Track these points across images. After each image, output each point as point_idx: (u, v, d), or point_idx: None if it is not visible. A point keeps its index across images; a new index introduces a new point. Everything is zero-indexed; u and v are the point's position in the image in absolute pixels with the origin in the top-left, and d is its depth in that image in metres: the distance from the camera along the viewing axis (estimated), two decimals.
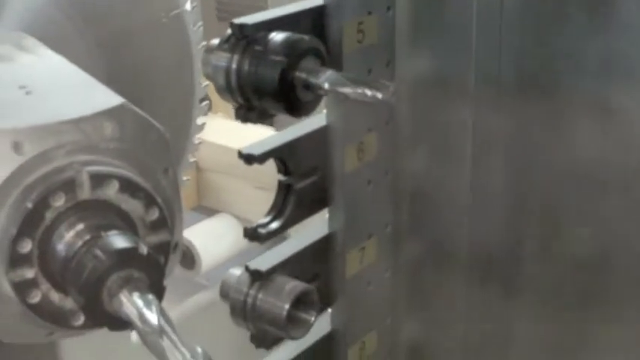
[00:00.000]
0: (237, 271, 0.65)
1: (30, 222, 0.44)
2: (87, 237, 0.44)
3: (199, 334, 1.66)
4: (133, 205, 0.47)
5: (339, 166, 0.65)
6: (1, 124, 0.44)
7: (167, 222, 0.48)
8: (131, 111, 0.48)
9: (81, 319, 0.48)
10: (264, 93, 0.57)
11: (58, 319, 0.47)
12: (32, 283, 0.45)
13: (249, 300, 0.63)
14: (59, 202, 0.45)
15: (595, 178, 0.64)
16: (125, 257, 0.44)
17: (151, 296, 0.44)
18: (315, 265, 0.67)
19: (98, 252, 0.44)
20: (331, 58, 0.60)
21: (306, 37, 0.57)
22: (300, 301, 0.62)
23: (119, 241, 0.45)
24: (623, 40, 0.59)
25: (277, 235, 0.63)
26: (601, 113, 0.61)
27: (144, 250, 0.45)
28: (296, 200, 0.63)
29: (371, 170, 0.67)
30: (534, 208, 0.67)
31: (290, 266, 0.64)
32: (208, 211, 1.64)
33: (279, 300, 0.62)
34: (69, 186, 0.44)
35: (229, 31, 0.58)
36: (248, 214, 1.57)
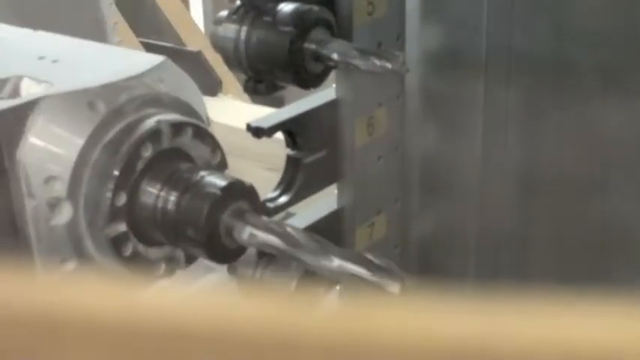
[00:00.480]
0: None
1: (124, 174, 0.46)
2: (181, 182, 0.47)
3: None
4: (200, 151, 0.49)
5: (349, 141, 0.64)
6: (71, 87, 0.46)
7: (227, 164, 0.51)
8: (172, 65, 0.49)
9: (162, 269, 0.51)
10: (273, 64, 0.56)
11: (144, 270, 0.50)
12: (125, 237, 0.47)
13: (257, 275, 0.62)
14: (147, 152, 0.47)
15: (607, 154, 0.63)
16: (234, 190, 0.47)
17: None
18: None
19: (208, 190, 0.46)
20: (341, 31, 0.59)
21: (315, 8, 0.56)
22: (308, 275, 0.62)
23: (220, 179, 0.47)
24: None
25: (285, 210, 0.62)
26: (615, 89, 0.60)
27: (246, 182, 0.48)
28: (305, 175, 0.62)
29: (381, 145, 0.66)
30: (545, 184, 0.66)
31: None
32: None
33: (286, 276, 0.61)
34: (155, 136, 0.46)
35: (238, 2, 0.57)
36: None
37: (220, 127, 1.56)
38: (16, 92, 0.49)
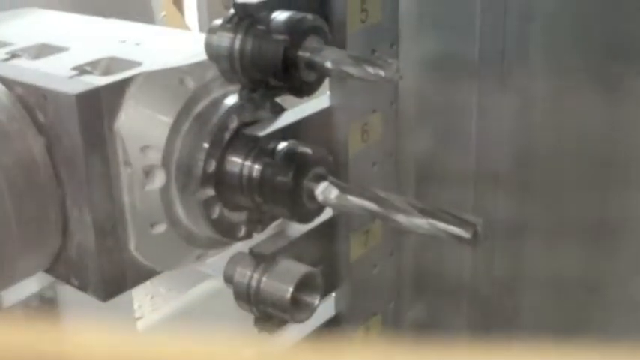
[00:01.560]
0: (240, 254, 0.64)
1: (214, 144, 0.51)
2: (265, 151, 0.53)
3: (204, 323, 1.66)
4: None
5: (344, 148, 0.64)
6: (161, 65, 0.50)
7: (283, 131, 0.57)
8: None
9: (243, 230, 0.57)
10: (267, 73, 0.56)
11: (228, 231, 0.56)
12: (213, 201, 0.52)
13: (253, 283, 0.62)
14: (233, 124, 0.52)
15: (600, 155, 0.63)
16: (314, 157, 0.55)
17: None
18: (320, 249, 0.66)
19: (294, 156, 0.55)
20: (335, 39, 0.59)
21: (309, 16, 0.56)
22: (304, 285, 0.62)
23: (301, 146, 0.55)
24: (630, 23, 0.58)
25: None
26: (606, 90, 0.61)
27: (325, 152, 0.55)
28: None
29: (376, 152, 0.66)
30: (538, 186, 0.67)
31: (294, 249, 0.64)
32: None
33: (283, 283, 0.61)
34: (240, 109, 0.52)
35: (232, 11, 0.57)
36: None
37: None
38: (109, 71, 0.51)
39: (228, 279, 0.64)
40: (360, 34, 0.61)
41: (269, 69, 0.56)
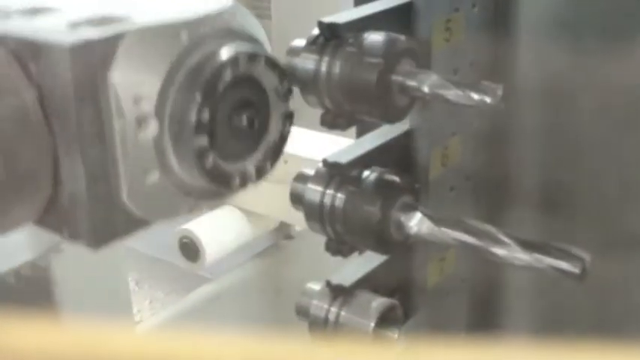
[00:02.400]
0: (315, 286, 0.61)
1: (208, 93, 0.51)
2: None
3: (203, 327, 1.63)
4: (270, 79, 0.53)
5: (424, 172, 0.61)
6: (154, 20, 0.50)
7: (292, 92, 0.55)
8: (240, 5, 0.54)
9: (237, 181, 0.54)
10: (357, 97, 0.53)
11: (222, 181, 0.54)
12: (207, 150, 0.51)
13: (331, 317, 0.59)
14: (227, 76, 0.51)
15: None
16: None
17: None
18: (396, 279, 0.63)
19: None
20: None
21: (402, 38, 0.53)
22: (384, 318, 0.59)
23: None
24: None
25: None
26: None
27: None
28: None
29: (454, 176, 0.63)
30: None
31: (372, 280, 0.61)
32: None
33: (364, 317, 0.58)
34: (234, 62, 0.51)
35: (316, 31, 0.54)
36: (253, 206, 1.54)
37: None
38: (103, 26, 0.51)
39: (303, 312, 0.61)
40: (444, 53, 0.58)
41: (361, 93, 0.52)
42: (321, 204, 0.56)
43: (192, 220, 1.54)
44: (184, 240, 1.54)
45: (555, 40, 0.63)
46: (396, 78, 0.52)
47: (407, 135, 0.60)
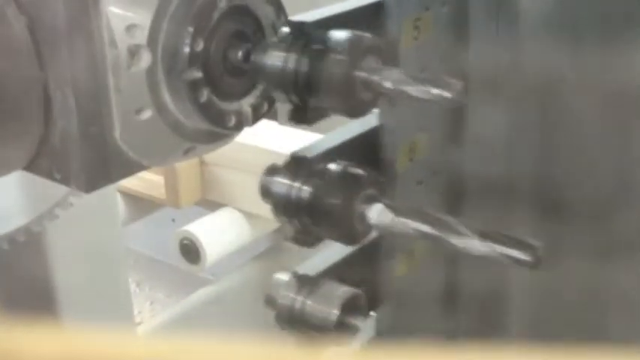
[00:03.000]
0: (283, 276, 0.63)
1: (202, 21, 0.50)
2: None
3: (205, 329, 1.65)
4: (266, 11, 0.54)
5: (390, 167, 0.62)
6: None
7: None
8: None
9: (233, 120, 0.54)
10: (322, 93, 0.54)
11: (217, 119, 0.54)
12: (201, 82, 0.51)
13: (297, 305, 0.61)
14: (222, 3, 0.51)
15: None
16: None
17: None
18: (364, 269, 0.65)
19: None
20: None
21: (367, 35, 0.55)
22: (348, 307, 0.60)
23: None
24: None
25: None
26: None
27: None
28: None
29: (422, 170, 0.65)
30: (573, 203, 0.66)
31: (338, 271, 0.62)
32: (213, 205, 1.62)
33: (328, 305, 0.60)
34: None
35: (285, 29, 0.55)
36: (253, 207, 1.55)
37: (243, 147, 1.53)
38: None
39: (271, 302, 0.62)
40: (412, 51, 0.60)
41: (325, 89, 0.54)
42: (288, 196, 0.58)
43: (193, 222, 1.56)
44: (185, 242, 1.56)
45: (528, 38, 0.64)
46: (360, 74, 0.54)
47: (375, 131, 0.62)
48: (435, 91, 0.52)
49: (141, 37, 0.48)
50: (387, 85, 0.53)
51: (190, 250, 1.57)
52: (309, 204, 0.57)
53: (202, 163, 1.61)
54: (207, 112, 0.52)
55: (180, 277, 1.82)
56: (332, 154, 0.59)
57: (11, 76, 0.47)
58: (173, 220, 1.82)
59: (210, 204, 1.63)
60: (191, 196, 1.61)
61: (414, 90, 0.52)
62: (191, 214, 1.61)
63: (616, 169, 0.65)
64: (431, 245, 0.65)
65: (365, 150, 0.61)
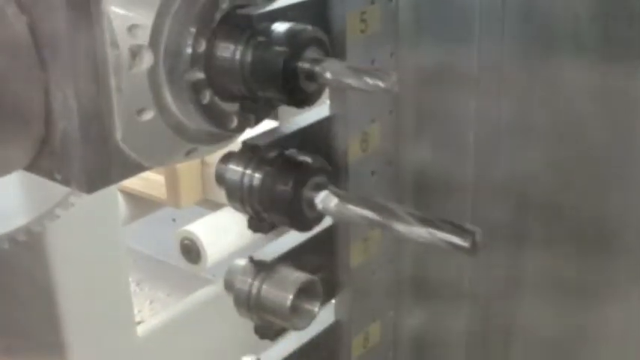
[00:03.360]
0: (241, 262, 0.65)
1: (204, 22, 0.50)
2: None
3: (205, 328, 1.67)
4: None
5: (343, 157, 0.65)
6: None
7: None
8: None
9: (235, 121, 0.54)
10: (267, 84, 0.57)
11: (219, 120, 0.54)
12: (203, 84, 0.51)
13: (254, 290, 0.63)
14: (225, 4, 0.50)
15: (603, 168, 0.64)
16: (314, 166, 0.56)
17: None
18: (320, 256, 0.67)
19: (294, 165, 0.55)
20: (334, 49, 0.60)
21: (309, 28, 0.57)
22: (303, 292, 0.62)
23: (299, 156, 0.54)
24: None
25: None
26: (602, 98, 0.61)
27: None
28: None
29: (375, 161, 0.67)
30: (537, 197, 0.67)
31: (294, 257, 0.64)
32: (213, 205, 1.64)
33: (283, 290, 0.62)
34: None
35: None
36: None
37: None
38: None
39: (229, 286, 0.65)
40: (360, 44, 0.62)
41: (269, 80, 0.56)
42: (241, 183, 0.60)
43: (193, 222, 1.58)
44: (185, 241, 1.58)
45: (480, 33, 0.66)
46: (302, 65, 0.56)
47: (326, 121, 0.64)
48: (370, 80, 0.54)
49: (143, 37, 0.48)
50: (327, 75, 0.56)
51: (191, 250, 1.59)
52: (260, 190, 0.59)
53: (203, 163, 1.64)
54: (210, 113, 0.53)
55: (180, 276, 1.85)
56: (283, 142, 0.61)
57: (12, 76, 0.47)
58: (174, 220, 1.84)
59: (210, 204, 1.65)
60: (192, 196, 1.64)
61: (350, 80, 0.55)
62: (192, 214, 1.63)
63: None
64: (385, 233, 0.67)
65: (317, 139, 0.63)
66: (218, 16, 0.51)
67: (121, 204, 1.61)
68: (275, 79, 0.56)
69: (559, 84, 0.63)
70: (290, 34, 0.56)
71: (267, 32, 0.56)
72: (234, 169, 0.60)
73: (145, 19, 0.48)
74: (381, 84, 0.54)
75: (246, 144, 0.60)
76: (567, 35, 0.62)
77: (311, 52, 0.57)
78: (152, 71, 0.49)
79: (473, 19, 0.65)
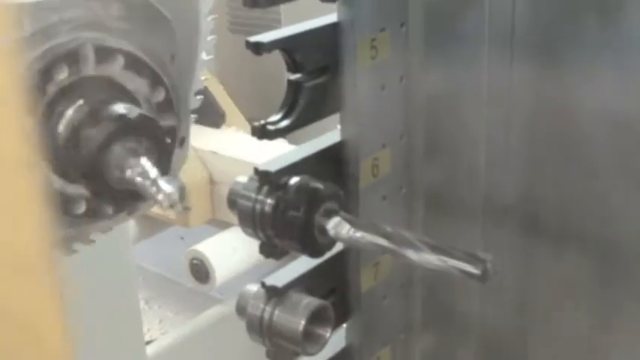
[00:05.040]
0: (253, 287, 0.65)
1: (34, 95, 0.42)
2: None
3: (214, 348, 1.66)
4: (138, 85, 0.45)
5: (354, 182, 0.65)
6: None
7: (173, 105, 0.48)
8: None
9: (83, 207, 0.46)
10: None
11: (59, 205, 0.46)
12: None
13: (266, 316, 0.63)
14: (62, 75, 0.42)
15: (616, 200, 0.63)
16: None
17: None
18: (331, 281, 0.67)
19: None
20: (344, 73, 0.61)
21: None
22: (316, 317, 0.63)
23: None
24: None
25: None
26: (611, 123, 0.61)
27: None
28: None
29: (385, 186, 0.67)
30: (547, 220, 0.67)
31: (306, 282, 0.64)
32: (222, 225, 1.64)
33: (295, 316, 0.62)
34: (72, 58, 0.42)
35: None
36: None
37: (223, 159, 1.57)
38: None
39: (241, 311, 0.65)
40: (370, 69, 0.62)
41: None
42: (253, 209, 0.60)
43: (202, 240, 1.58)
44: (195, 261, 1.57)
45: (492, 55, 0.66)
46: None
47: (337, 146, 0.64)
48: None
49: None
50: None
51: (200, 270, 1.59)
52: (272, 217, 0.60)
53: (212, 182, 1.64)
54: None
55: (189, 295, 1.84)
56: (295, 168, 0.61)
57: None
58: (182, 238, 1.84)
59: (219, 223, 1.65)
60: (201, 215, 1.64)
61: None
62: (200, 232, 1.63)
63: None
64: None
65: (328, 165, 0.64)
66: (53, 88, 0.44)
67: (131, 223, 1.61)
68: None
69: (568, 108, 0.64)
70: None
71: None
72: (246, 195, 0.61)
73: None
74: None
75: (257, 170, 0.61)
76: (575, 60, 0.62)
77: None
78: None
79: (482, 43, 0.65)
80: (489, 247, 0.69)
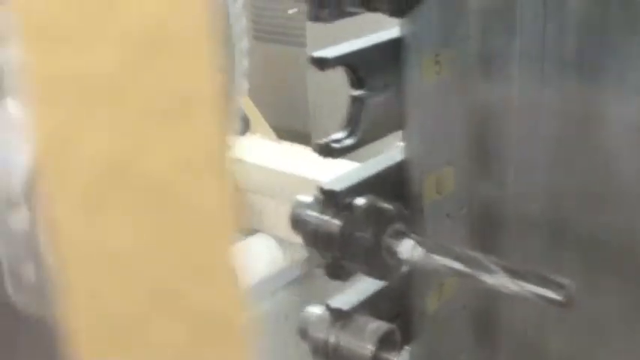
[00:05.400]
0: (315, 309, 0.63)
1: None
2: None
3: None
4: None
5: (417, 200, 0.63)
6: None
7: None
8: None
9: None
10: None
11: None
12: None
13: (332, 339, 0.61)
14: None
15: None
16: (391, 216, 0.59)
17: None
18: (395, 303, 0.65)
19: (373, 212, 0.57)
20: (408, 92, 0.60)
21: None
22: (383, 341, 0.61)
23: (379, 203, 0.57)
24: None
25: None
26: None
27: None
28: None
29: (449, 204, 0.65)
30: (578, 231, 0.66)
31: (371, 305, 0.63)
32: (247, 231, 1.63)
33: (362, 340, 0.60)
34: None
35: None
36: (286, 234, 1.56)
37: (248, 166, 1.55)
38: None
39: (303, 334, 0.63)
40: (434, 86, 0.61)
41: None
42: (318, 229, 0.59)
43: None
44: None
45: (547, 73, 0.64)
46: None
47: (401, 164, 0.62)
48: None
49: None
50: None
51: None
52: (339, 238, 0.58)
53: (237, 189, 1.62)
54: None
55: None
56: (359, 187, 0.59)
57: None
58: None
59: (244, 230, 1.64)
60: None
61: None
62: None
63: None
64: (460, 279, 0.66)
65: (392, 183, 0.62)
66: None
67: None
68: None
69: (597, 121, 0.62)
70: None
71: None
72: (312, 215, 0.59)
73: None
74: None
75: (322, 190, 0.59)
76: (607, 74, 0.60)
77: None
78: None
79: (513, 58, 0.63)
80: (550, 261, 0.67)
